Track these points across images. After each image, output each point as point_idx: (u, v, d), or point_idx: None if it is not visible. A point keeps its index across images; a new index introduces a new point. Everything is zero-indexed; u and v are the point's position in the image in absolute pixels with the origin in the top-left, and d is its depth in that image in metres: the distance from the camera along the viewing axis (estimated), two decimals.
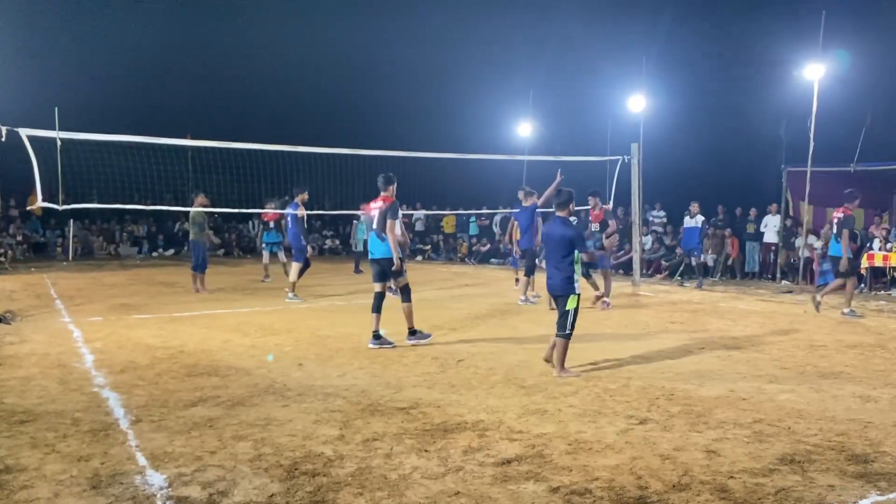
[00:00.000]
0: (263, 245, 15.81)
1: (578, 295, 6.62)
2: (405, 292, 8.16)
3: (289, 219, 12.71)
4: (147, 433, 4.84)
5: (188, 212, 13.79)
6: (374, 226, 8.03)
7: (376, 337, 7.92)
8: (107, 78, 24.34)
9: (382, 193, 8.13)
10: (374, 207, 8.12)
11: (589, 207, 12.11)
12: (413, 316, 8.17)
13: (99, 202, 14.79)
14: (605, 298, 11.45)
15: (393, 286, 9.01)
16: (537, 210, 11.72)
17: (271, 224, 15.41)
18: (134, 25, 25.29)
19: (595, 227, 11.95)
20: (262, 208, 15.65)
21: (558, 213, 6.88)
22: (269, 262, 15.43)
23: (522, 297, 11.76)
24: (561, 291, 6.63)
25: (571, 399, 5.77)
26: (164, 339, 8.34)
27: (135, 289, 13.84)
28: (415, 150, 14.02)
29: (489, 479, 4.06)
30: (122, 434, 4.83)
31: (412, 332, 8.14)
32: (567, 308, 6.56)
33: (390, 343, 7.93)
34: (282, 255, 15.22)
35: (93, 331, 8.83)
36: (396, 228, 7.98)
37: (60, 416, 5.21)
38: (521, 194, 12.22)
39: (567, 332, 6.56)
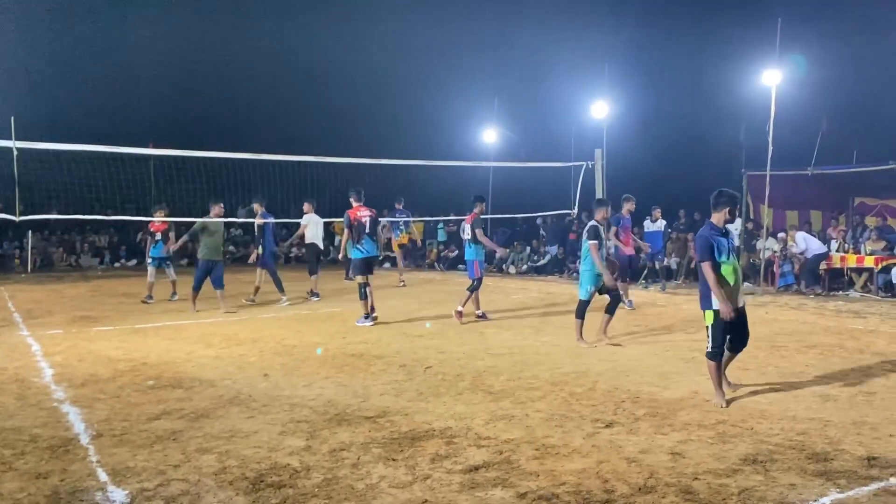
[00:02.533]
0: (150, 260, 13.40)
1: (714, 311, 5.80)
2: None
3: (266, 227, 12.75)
4: (108, 448, 4.74)
5: (152, 222, 13.34)
6: (368, 230, 10.15)
7: (366, 317, 10.02)
8: (65, 86, 23.90)
9: (358, 204, 10.29)
10: (364, 215, 10.16)
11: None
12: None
13: (59, 213, 14.52)
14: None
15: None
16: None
17: (158, 236, 13.33)
18: (92, 32, 24.85)
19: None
20: (151, 216, 13.58)
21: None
22: (154, 279, 13.22)
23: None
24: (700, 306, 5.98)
25: (538, 404, 5.80)
26: (126, 351, 8.19)
27: (96, 300, 13.58)
28: (382, 158, 13.99)
29: (457, 487, 4.06)
30: (82, 450, 4.73)
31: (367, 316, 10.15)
32: (705, 324, 5.94)
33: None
34: (171, 272, 13.48)
35: (52, 344, 8.64)
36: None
37: (18, 432, 5.08)
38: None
39: (707, 350, 5.88)
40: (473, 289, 10.45)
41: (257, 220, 12.79)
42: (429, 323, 9.98)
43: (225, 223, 12.53)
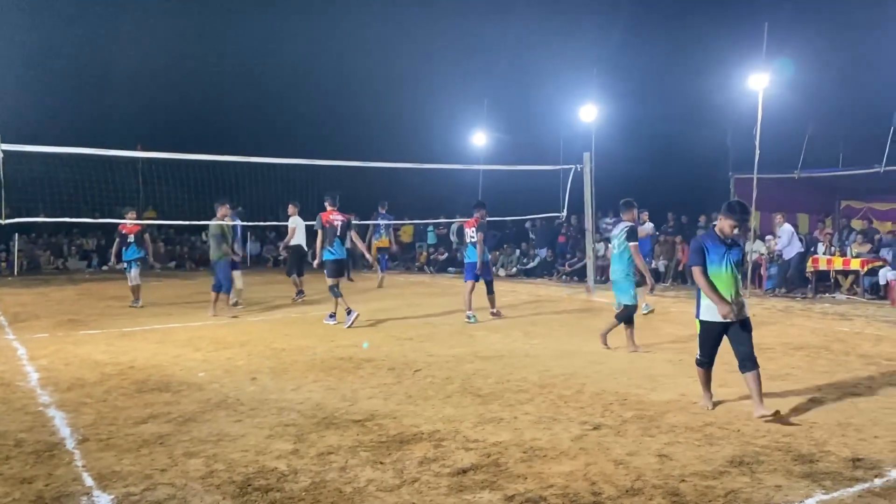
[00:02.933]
0: (126, 264, 12.75)
1: (700, 321, 5.71)
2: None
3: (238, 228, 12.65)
4: (94, 452, 4.72)
5: (140, 224, 13.25)
6: (339, 234, 10.51)
7: (348, 313, 10.24)
8: (52, 88, 23.75)
9: (334, 206, 10.67)
10: (336, 219, 10.50)
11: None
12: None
13: (46, 216, 14.43)
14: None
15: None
16: None
17: (131, 238, 12.68)
18: (80, 34, 24.72)
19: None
20: (122, 218, 12.90)
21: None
22: (139, 280, 12.75)
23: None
24: None
25: (527, 406, 5.81)
26: (113, 354, 8.15)
27: (83, 304, 13.50)
28: (372, 161, 14.00)
29: (445, 490, 4.06)
30: (67, 454, 4.70)
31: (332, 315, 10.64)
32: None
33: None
34: (134, 274, 12.67)
35: (38, 348, 8.58)
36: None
37: (3, 437, 5.04)
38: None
39: (696, 357, 5.82)
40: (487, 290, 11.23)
41: (226, 222, 12.36)
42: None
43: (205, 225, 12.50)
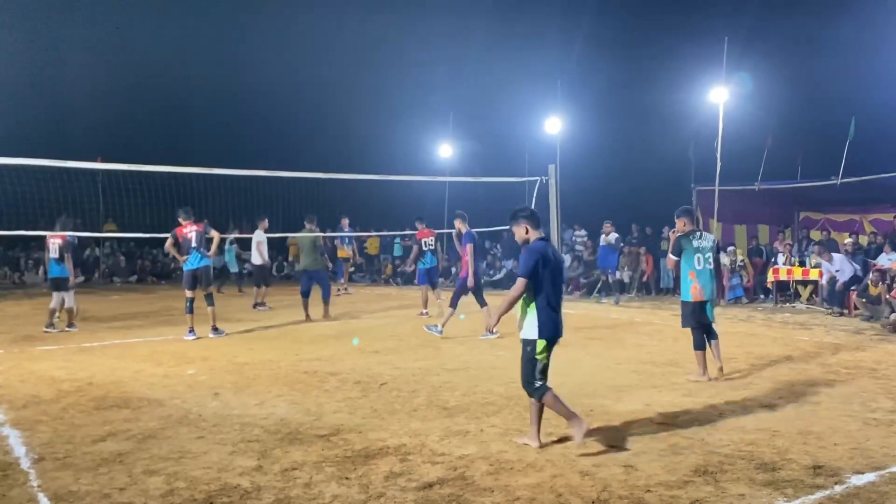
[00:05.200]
0: (50, 281, 11.59)
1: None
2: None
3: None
4: (51, 472, 4.59)
5: (100, 237, 12.99)
6: (195, 244, 10.42)
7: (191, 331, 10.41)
8: (8, 99, 23.25)
9: (188, 220, 10.59)
10: (189, 231, 10.44)
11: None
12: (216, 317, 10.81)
13: (1, 229, 14.06)
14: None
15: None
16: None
17: (56, 253, 11.28)
18: (38, 43, 24.30)
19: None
20: (54, 230, 11.51)
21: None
22: (57, 304, 11.32)
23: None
24: None
25: (493, 419, 5.80)
26: (71, 371, 7.95)
27: (40, 319, 13.14)
28: (337, 172, 13.93)
29: None
30: (22, 474, 4.57)
31: (215, 329, 10.70)
32: None
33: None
34: (69, 298, 11.34)
35: None
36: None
37: None
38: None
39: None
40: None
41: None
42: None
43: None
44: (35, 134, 21.72)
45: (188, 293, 10.62)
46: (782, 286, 15.09)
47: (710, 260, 7.29)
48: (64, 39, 24.91)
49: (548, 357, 5.08)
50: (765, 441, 5.12)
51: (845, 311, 12.93)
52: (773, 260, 15.53)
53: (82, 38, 24.74)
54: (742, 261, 15.90)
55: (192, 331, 10.42)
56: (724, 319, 12.27)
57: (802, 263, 14.87)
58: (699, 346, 7.23)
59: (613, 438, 5.21)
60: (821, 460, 4.69)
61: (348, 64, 26.35)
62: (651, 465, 4.61)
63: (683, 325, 7.47)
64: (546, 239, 5.22)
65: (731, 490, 4.19)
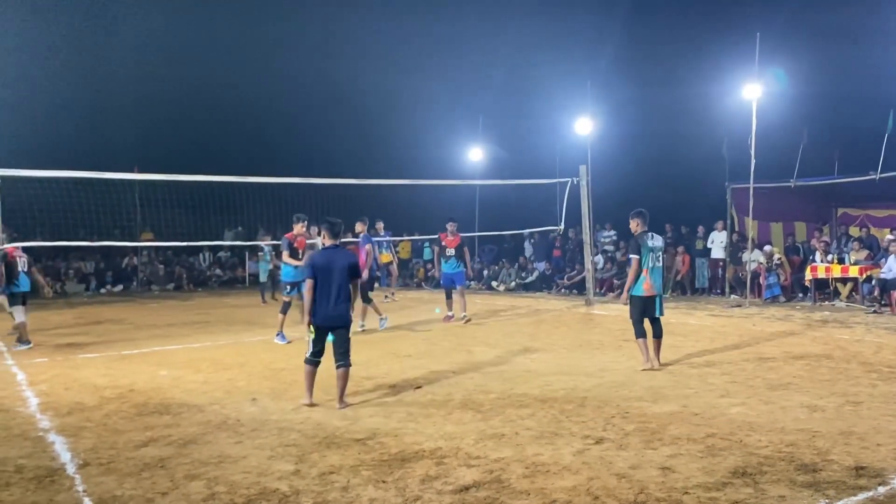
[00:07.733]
0: (9, 295, 10.53)
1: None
2: None
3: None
4: (95, 477, 4.69)
5: (138, 247, 13.26)
6: (23, 268, 10.40)
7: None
8: (48, 112, 23.83)
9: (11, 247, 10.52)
10: (19, 255, 10.45)
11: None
12: None
13: (43, 240, 14.44)
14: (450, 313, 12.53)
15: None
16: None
17: (22, 265, 10.66)
18: (75, 57, 24.84)
19: (451, 251, 12.63)
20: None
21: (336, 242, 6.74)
22: (25, 317, 10.68)
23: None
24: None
25: (528, 422, 5.79)
26: (112, 378, 8.12)
27: (82, 327, 13.46)
28: (369, 178, 14.05)
29: None
30: (68, 479, 4.68)
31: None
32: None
33: None
34: (19, 313, 10.56)
35: (37, 373, 8.55)
36: None
37: (3, 463, 5.02)
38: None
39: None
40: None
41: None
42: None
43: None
44: (78, 146, 22.22)
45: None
46: (821, 284, 14.83)
47: (660, 258, 8.12)
48: (105, 57, 25.46)
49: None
50: (805, 442, 5.04)
51: (885, 309, 12.65)
52: (810, 258, 15.26)
53: (122, 54, 25.27)
54: (779, 259, 15.65)
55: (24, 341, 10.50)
56: (761, 319, 12.12)
57: (842, 260, 14.59)
58: (640, 334, 7.95)
59: (650, 440, 5.17)
60: (863, 461, 4.61)
61: (379, 71, 26.48)
62: (689, 467, 4.57)
63: (631, 317, 8.09)
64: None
65: (771, 492, 4.13)
